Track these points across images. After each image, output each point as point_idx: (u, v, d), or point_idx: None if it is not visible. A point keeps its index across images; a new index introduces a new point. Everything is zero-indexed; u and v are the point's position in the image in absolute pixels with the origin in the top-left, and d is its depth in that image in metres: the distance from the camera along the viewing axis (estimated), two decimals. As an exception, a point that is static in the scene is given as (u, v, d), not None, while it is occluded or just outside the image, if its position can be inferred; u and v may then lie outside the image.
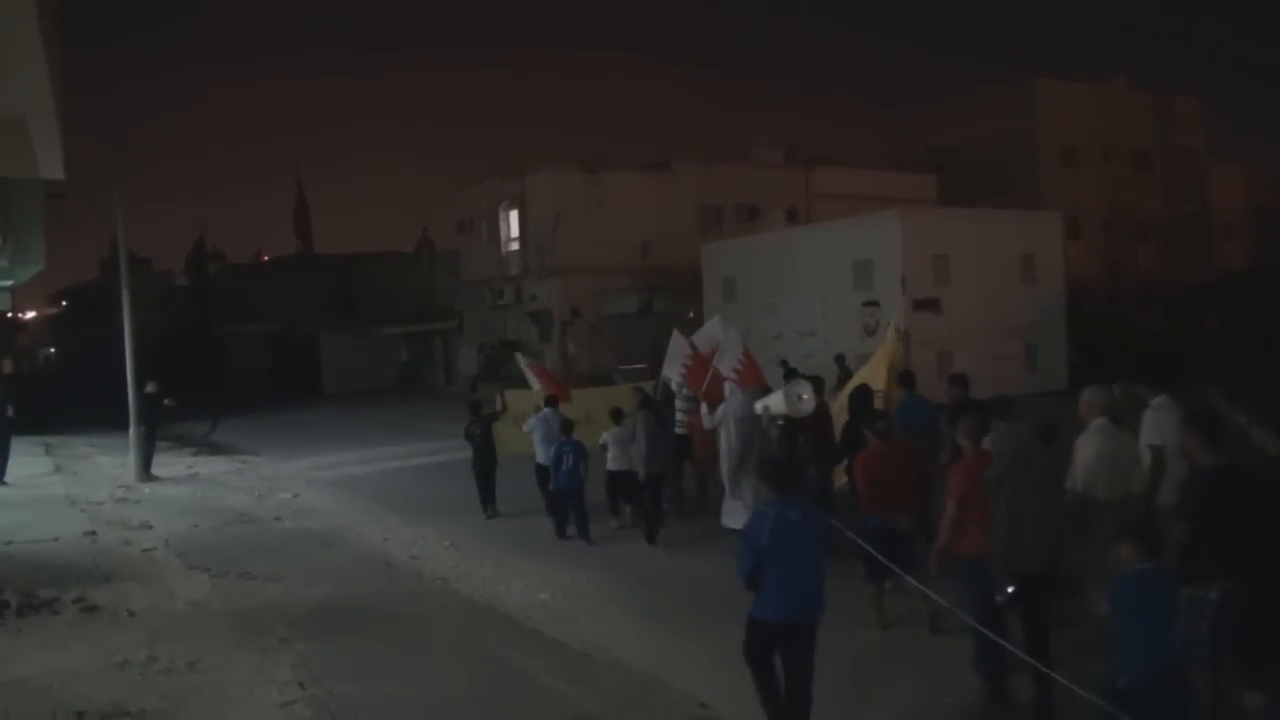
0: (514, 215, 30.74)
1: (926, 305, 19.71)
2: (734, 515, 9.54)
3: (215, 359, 42.74)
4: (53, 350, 67.33)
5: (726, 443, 9.62)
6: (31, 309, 64.80)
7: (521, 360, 13.89)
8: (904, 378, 9.84)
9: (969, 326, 19.35)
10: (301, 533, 12.02)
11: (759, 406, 9.29)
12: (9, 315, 35.81)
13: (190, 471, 17.64)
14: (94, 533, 11.87)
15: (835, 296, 20.69)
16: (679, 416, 11.44)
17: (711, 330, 11.23)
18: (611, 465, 10.93)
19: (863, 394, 9.28)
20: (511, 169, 30.62)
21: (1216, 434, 5.27)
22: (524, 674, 6.72)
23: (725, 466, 9.72)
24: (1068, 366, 20.97)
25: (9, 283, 22.83)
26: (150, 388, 17.10)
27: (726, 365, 10.06)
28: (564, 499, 10.88)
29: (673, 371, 11.07)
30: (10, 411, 16.49)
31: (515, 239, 30.72)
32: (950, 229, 20.72)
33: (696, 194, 30.12)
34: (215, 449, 21.29)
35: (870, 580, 7.20)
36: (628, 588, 8.75)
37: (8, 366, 20.03)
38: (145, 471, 16.51)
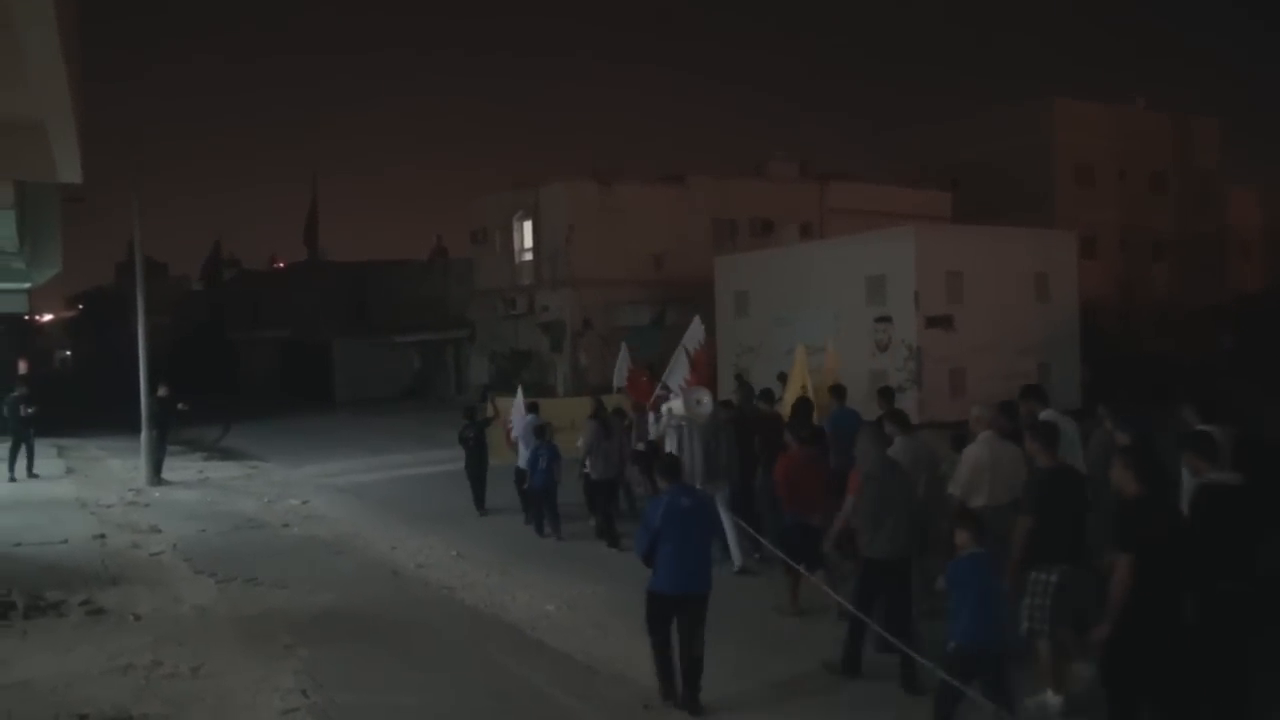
0: (528, 226, 30.81)
1: (939, 322, 19.61)
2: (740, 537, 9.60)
3: (228, 364, 42.93)
4: (68, 353, 67.83)
5: (680, 447, 9.68)
6: (48, 312, 65.34)
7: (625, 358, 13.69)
8: (836, 390, 10.57)
9: (981, 344, 19.24)
10: (309, 539, 12.04)
11: (663, 409, 10.27)
12: (26, 317, 36.08)
13: (201, 476, 17.69)
14: (103, 536, 11.91)
15: (848, 312, 20.61)
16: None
17: (695, 331, 11.65)
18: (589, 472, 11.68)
19: (803, 404, 9.88)
20: (526, 180, 30.71)
21: (1053, 441, 6.21)
22: (527, 686, 6.69)
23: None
24: (1081, 386, 20.84)
25: (26, 285, 22.99)
26: (162, 391, 17.19)
27: (675, 379, 10.67)
28: (537, 498, 11.79)
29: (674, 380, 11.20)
30: (28, 410, 17.06)
31: (528, 249, 30.77)
32: (964, 246, 20.63)
33: (711, 207, 30.11)
34: (226, 454, 21.35)
35: (787, 572, 7.96)
36: (633, 600, 8.67)
37: (23, 368, 20.19)
38: (156, 475, 16.58)
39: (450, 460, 15.10)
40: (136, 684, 6.66)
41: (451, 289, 37.15)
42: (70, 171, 10.38)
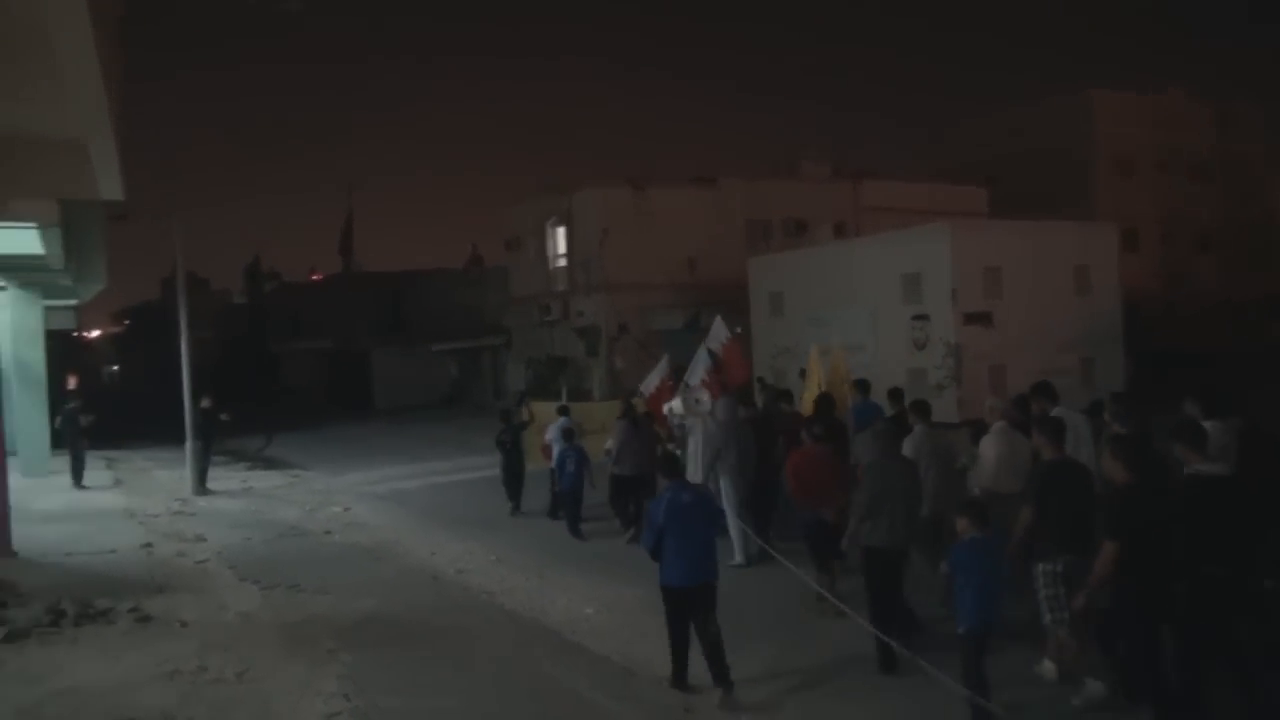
0: (561, 232, 30.93)
1: (978, 319, 19.36)
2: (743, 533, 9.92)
3: (270, 375, 43.56)
4: (116, 368, 69.17)
5: (695, 446, 10.15)
6: (96, 328, 66.71)
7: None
8: (860, 384, 10.83)
9: (1021, 340, 18.96)
10: (350, 546, 12.16)
11: (666, 408, 10.95)
12: (74, 333, 36.88)
13: (244, 485, 17.95)
14: (150, 545, 12.13)
15: (884, 310, 20.42)
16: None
17: (717, 331, 11.72)
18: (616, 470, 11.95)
19: (825, 401, 10.01)
20: (559, 186, 30.84)
21: (1058, 435, 6.38)
22: (567, 689, 6.70)
23: (692, 467, 9.97)
24: (1125, 381, 20.48)
25: (73, 301, 23.55)
26: (205, 403, 17.48)
27: (695, 377, 10.74)
28: (566, 499, 12.15)
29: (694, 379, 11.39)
30: (84, 422, 17.75)
31: (563, 255, 30.89)
32: (1002, 241, 20.35)
33: (744, 209, 30.01)
34: (269, 463, 21.65)
35: (820, 570, 8.05)
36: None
37: (73, 383, 20.72)
38: (201, 485, 16.85)
39: (489, 466, 15.19)
40: (182, 689, 6.76)
41: (487, 297, 37.41)
42: (112, 189, 10.62)
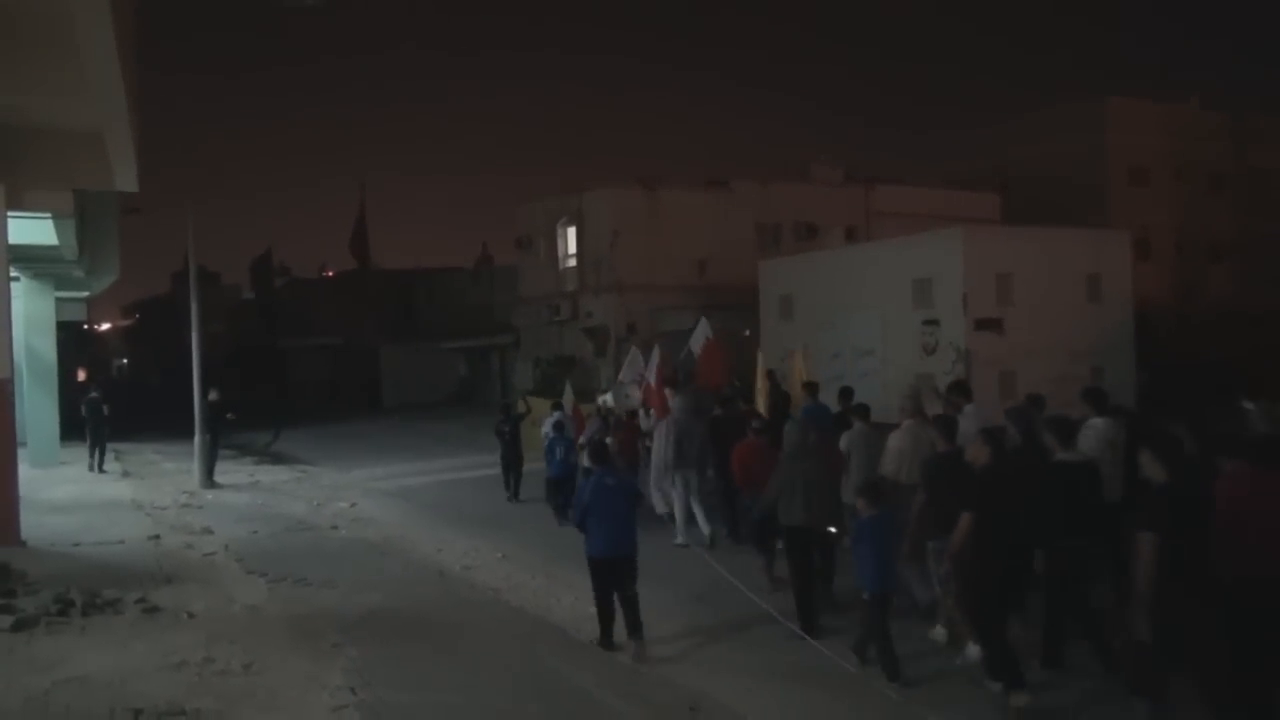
0: (572, 232, 30.93)
1: (988, 325, 19.28)
2: (659, 503, 11.34)
3: (279, 371, 43.67)
4: (125, 361, 69.44)
5: (659, 441, 11.29)
6: (106, 320, 67.04)
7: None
8: (809, 386, 11.80)
9: (1032, 347, 18.88)
10: (357, 541, 12.17)
11: (599, 400, 12.94)
12: (84, 325, 37.02)
13: (252, 480, 17.99)
14: (158, 536, 12.15)
15: (894, 315, 20.36)
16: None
17: (701, 330, 13.44)
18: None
19: (783, 399, 11.80)
20: (570, 186, 30.87)
21: (951, 431, 7.22)
22: (574, 686, 6.68)
23: (655, 460, 11.38)
24: (1136, 390, 20.38)
25: (85, 293, 23.67)
26: (213, 396, 17.57)
27: (629, 375, 12.45)
28: (553, 484, 12.89)
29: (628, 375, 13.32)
30: (107, 410, 18.64)
31: (573, 256, 30.90)
32: (1014, 247, 20.27)
33: (755, 212, 29.99)
34: (277, 458, 21.70)
35: (759, 551, 9.07)
36: (680, 602, 8.67)
37: (82, 375, 20.95)
38: (208, 478, 16.92)
39: (496, 465, 15.21)
40: (189, 680, 6.76)
41: (497, 296, 37.44)
42: (127, 180, 10.66)
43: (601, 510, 7.43)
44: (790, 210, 30.54)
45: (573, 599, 8.96)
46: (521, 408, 15.14)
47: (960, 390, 9.41)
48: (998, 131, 36.56)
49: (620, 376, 13.16)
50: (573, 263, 30.82)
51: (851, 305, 21.29)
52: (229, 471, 18.58)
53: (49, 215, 13.11)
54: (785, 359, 13.33)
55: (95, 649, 7.47)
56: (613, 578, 7.45)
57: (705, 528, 10.65)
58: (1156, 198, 33.88)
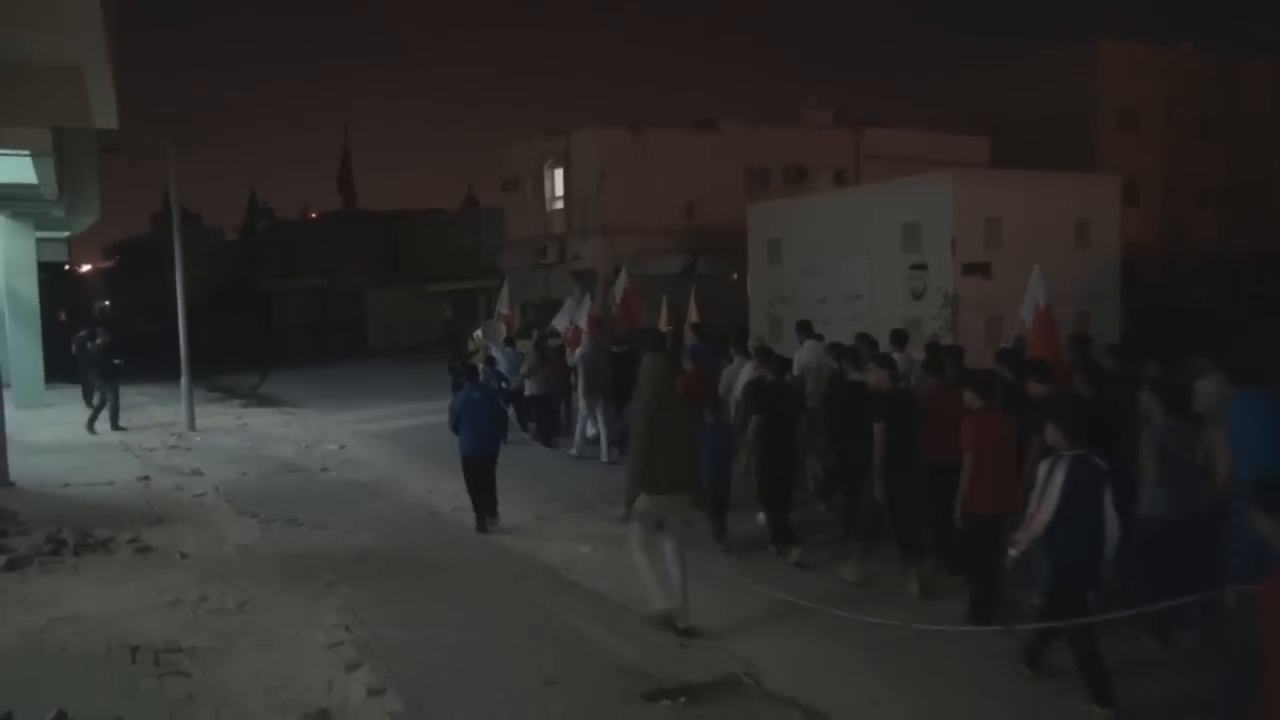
0: (559, 174, 30.59)
1: (976, 269, 19.27)
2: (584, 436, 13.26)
3: (264, 313, 43.39)
4: (108, 303, 68.74)
5: (579, 371, 13.20)
6: (87, 262, 66.14)
7: None
8: (694, 327, 14.51)
9: (1020, 292, 18.85)
10: (347, 483, 12.23)
11: (475, 334, 16.72)
12: (65, 266, 36.55)
13: (240, 422, 17.98)
14: (147, 478, 12.18)
15: (882, 259, 20.30)
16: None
17: (621, 280, 17.13)
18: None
19: (676, 339, 14.22)
20: (557, 128, 30.45)
21: (773, 363, 8.87)
22: (564, 624, 6.79)
23: (578, 395, 13.30)
24: (1121, 335, 20.51)
25: (65, 233, 23.35)
26: (100, 339, 16.64)
27: (497, 311, 15.46)
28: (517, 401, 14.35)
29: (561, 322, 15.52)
30: (117, 361, 16.37)
31: (560, 198, 30.60)
32: (1003, 191, 20.17)
33: (743, 154, 29.69)
34: (264, 401, 21.67)
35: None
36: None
37: (63, 316, 20.54)
38: (114, 426, 16.25)
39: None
40: (185, 618, 6.84)
41: (483, 238, 37.16)
42: (107, 117, 10.44)
43: (470, 417, 9.36)
44: (779, 153, 30.26)
45: (563, 539, 9.07)
46: (471, 345, 15.97)
47: (897, 338, 10.74)
48: (989, 74, 36.23)
49: (554, 322, 15.32)
50: (560, 205, 30.56)
51: (840, 249, 21.21)
52: (216, 414, 18.57)
53: (27, 152, 12.86)
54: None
55: (89, 587, 7.53)
56: (479, 471, 9.38)
57: (575, 447, 13.12)
58: (1145, 142, 33.76)
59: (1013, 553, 5.60)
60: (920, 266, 19.78)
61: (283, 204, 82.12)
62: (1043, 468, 5.48)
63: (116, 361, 16.37)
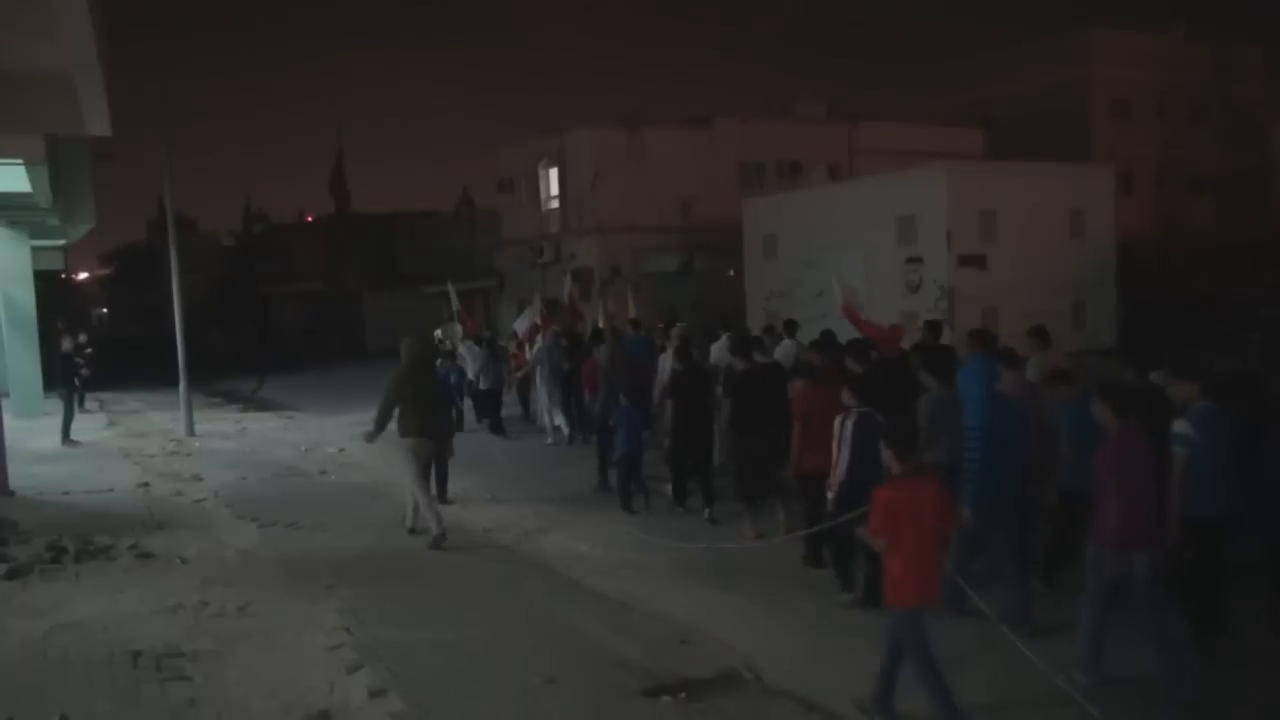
0: (554, 173, 30.59)
1: (971, 261, 19.34)
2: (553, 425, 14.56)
3: (260, 318, 43.40)
4: (105, 310, 68.71)
5: (538, 365, 14.60)
6: (84, 269, 66.14)
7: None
8: (632, 323, 15.94)
9: (1015, 283, 18.98)
10: (346, 486, 12.25)
11: (436, 332, 17.28)
12: (62, 274, 36.53)
13: (239, 427, 17.99)
14: (147, 484, 12.19)
15: (878, 253, 20.37)
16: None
17: (566, 283, 18.95)
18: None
19: (613, 334, 14.39)
20: (551, 127, 30.44)
21: (748, 350, 9.52)
22: (564, 622, 6.80)
23: (538, 378, 14.71)
24: (1117, 324, 20.56)
25: (61, 241, 23.33)
26: (66, 344, 16.26)
27: (537, 318, 15.98)
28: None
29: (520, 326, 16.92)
30: (84, 369, 16.47)
31: (555, 197, 30.61)
32: (997, 183, 20.25)
33: (738, 150, 29.74)
34: (262, 405, 21.67)
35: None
36: (663, 542, 8.79)
37: (60, 324, 20.48)
38: (65, 439, 15.59)
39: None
40: (186, 622, 6.84)
41: (479, 239, 37.14)
42: (99, 124, 10.45)
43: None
44: (774, 148, 30.30)
45: (562, 538, 9.08)
46: (447, 345, 16.40)
47: (788, 327, 12.85)
48: (980, 65, 36.24)
49: (514, 325, 17.14)
50: (555, 204, 30.56)
51: (836, 243, 21.27)
52: (215, 419, 18.57)
53: (20, 161, 12.87)
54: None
55: (90, 594, 7.54)
56: (435, 453, 9.86)
57: (564, 429, 14.34)
58: (1138, 131, 33.81)
59: (830, 494, 6.79)
60: (916, 260, 19.84)
61: (279, 208, 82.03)
62: (838, 421, 6.85)
63: (83, 369, 16.34)
